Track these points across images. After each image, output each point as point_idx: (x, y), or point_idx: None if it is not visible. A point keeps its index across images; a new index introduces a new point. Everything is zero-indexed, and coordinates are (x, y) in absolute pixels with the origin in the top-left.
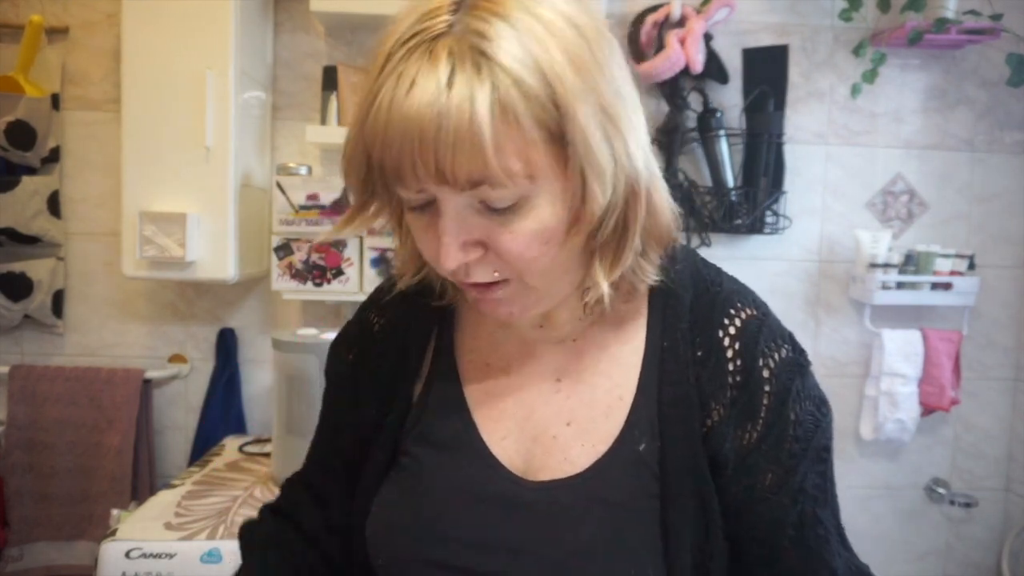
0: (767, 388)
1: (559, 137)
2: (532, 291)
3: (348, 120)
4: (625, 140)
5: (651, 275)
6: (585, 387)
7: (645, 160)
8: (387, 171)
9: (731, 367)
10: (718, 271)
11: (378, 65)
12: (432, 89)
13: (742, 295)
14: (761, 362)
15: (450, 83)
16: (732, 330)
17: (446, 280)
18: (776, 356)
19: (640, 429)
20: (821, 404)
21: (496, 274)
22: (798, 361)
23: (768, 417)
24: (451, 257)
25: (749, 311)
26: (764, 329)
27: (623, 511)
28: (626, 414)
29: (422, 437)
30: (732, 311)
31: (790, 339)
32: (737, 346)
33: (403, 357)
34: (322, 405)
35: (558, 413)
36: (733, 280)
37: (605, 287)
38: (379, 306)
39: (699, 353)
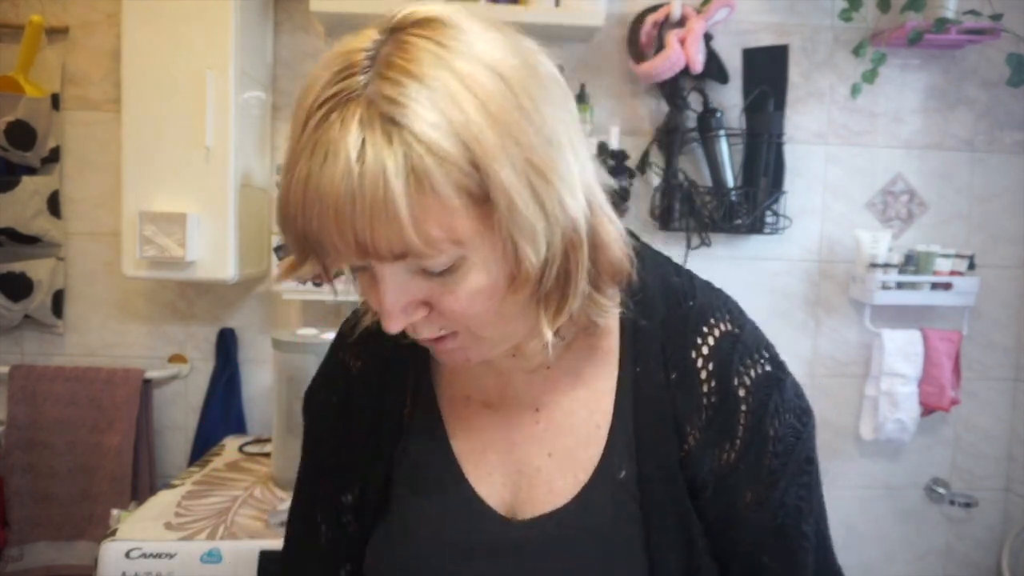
0: (743, 407)
1: (483, 199)
2: (483, 340)
3: None
4: (558, 191)
5: (608, 309)
6: (563, 415)
7: (588, 194)
8: (311, 244)
9: (705, 388)
10: (690, 279)
11: (298, 128)
12: (343, 163)
13: (715, 308)
14: (736, 381)
15: (361, 156)
16: (705, 350)
17: None
18: (752, 373)
19: (619, 456)
20: (802, 414)
21: (442, 329)
22: (775, 375)
23: (746, 436)
24: (394, 321)
25: (723, 326)
26: (738, 346)
27: (608, 540)
28: (604, 442)
29: (407, 481)
30: (705, 329)
31: (766, 350)
32: (711, 366)
33: (384, 400)
34: (306, 453)
35: (539, 444)
36: (706, 289)
37: (549, 335)
38: (350, 346)
39: (673, 375)
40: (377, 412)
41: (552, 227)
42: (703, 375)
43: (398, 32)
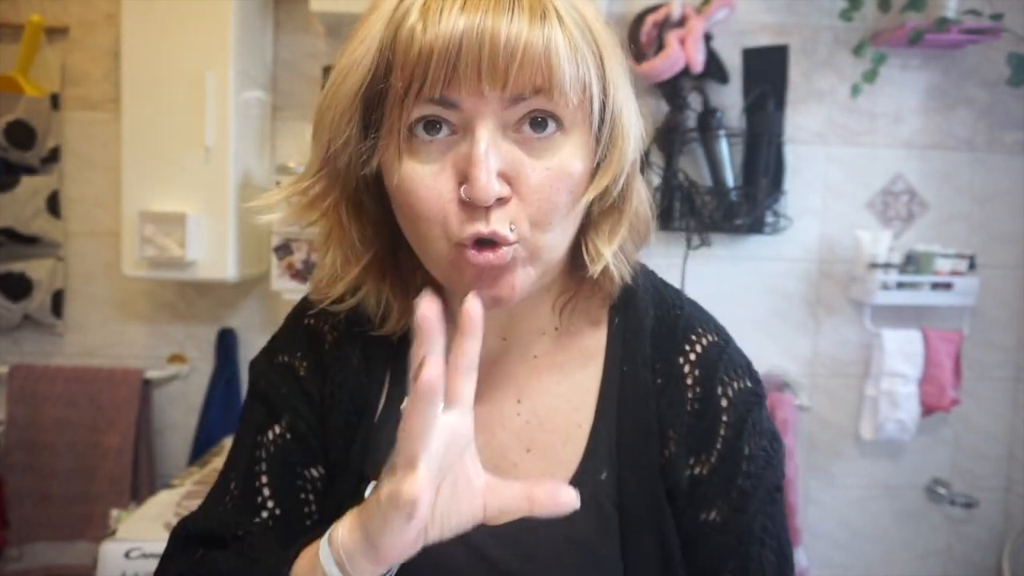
0: (724, 418)
1: (601, 88)
2: (534, 261)
3: None
4: (637, 107)
5: (627, 272)
6: (544, 410)
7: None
8: (429, 80)
9: (690, 395)
10: (678, 293)
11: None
12: None
13: (704, 320)
14: (720, 391)
15: None
16: (693, 356)
17: (388, 305)
18: (735, 385)
19: (600, 458)
20: (773, 439)
21: (511, 227)
22: (755, 392)
23: (722, 449)
24: (489, 184)
25: (710, 337)
26: (724, 357)
27: (586, 541)
28: (585, 441)
29: (375, 472)
30: (693, 337)
31: (748, 369)
32: (697, 373)
33: (359, 384)
34: (247, 425)
35: (517, 438)
36: (694, 304)
37: (609, 255)
38: (320, 313)
39: (659, 380)
40: (351, 395)
41: (637, 137)
42: (689, 381)
43: None
